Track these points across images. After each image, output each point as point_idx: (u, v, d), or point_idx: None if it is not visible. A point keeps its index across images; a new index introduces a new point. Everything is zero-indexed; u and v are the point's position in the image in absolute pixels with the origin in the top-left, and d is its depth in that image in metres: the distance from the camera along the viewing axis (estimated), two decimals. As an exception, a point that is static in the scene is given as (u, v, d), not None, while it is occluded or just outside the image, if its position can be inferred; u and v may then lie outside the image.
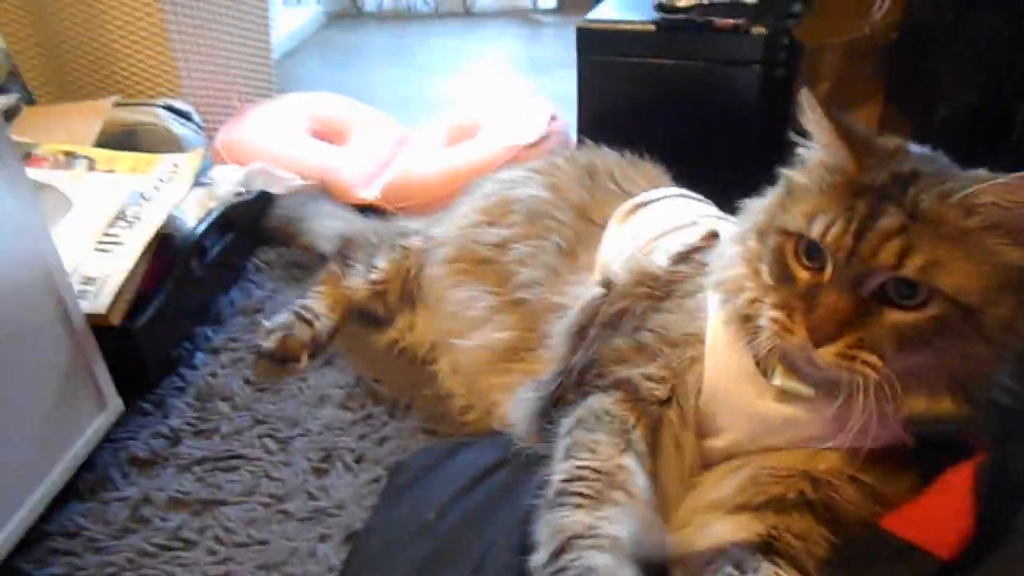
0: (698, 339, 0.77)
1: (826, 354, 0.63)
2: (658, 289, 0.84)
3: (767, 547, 0.69)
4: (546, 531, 0.67)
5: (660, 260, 0.87)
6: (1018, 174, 0.59)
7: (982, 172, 0.65)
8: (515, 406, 0.91)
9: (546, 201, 1.07)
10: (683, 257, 0.86)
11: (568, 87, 1.56)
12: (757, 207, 0.76)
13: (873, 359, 0.62)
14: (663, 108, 1.42)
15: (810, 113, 0.68)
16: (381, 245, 1.27)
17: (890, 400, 0.63)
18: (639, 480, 0.71)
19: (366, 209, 1.60)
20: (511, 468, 0.84)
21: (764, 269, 0.69)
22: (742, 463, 0.73)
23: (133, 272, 1.06)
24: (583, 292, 0.92)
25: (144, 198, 1.15)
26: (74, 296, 0.96)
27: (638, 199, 1.02)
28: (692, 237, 0.88)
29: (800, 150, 0.73)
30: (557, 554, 0.64)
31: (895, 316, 0.62)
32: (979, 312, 0.61)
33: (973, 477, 0.63)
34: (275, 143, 1.69)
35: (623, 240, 0.96)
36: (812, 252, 0.65)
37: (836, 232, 0.63)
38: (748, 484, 0.71)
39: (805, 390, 0.69)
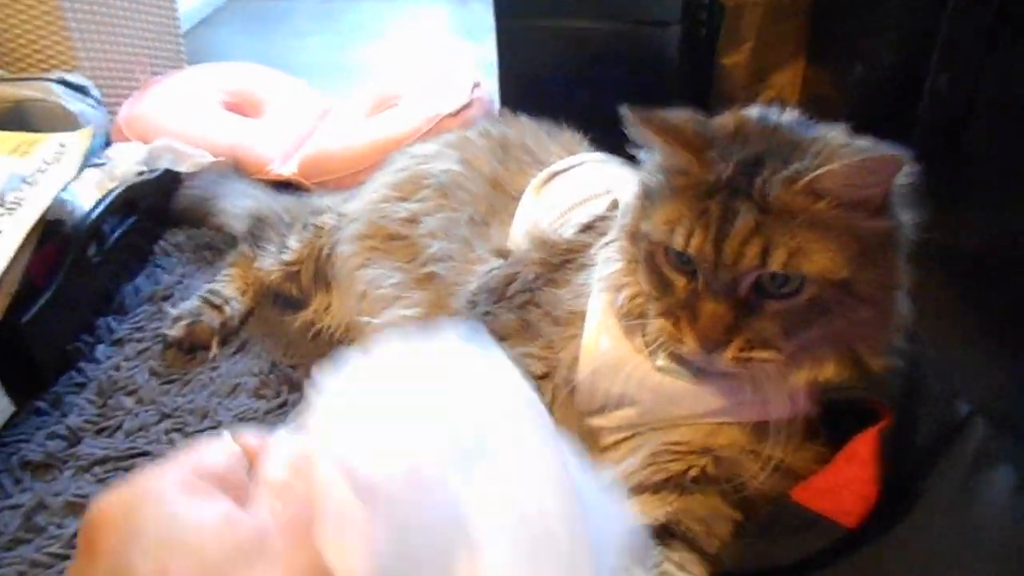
0: (580, 317, 0.76)
1: (721, 360, 0.63)
2: (553, 257, 0.82)
3: (665, 531, 0.67)
4: None
5: (567, 232, 0.84)
6: (855, 160, 0.59)
7: (832, 135, 0.65)
8: None
9: (459, 174, 1.03)
10: (588, 227, 0.84)
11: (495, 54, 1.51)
12: (626, 199, 0.75)
13: (767, 354, 0.63)
14: (583, 72, 1.39)
15: (636, 127, 0.67)
16: (294, 224, 1.21)
17: (788, 376, 0.63)
18: None
19: (283, 185, 1.53)
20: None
21: (642, 276, 0.69)
22: (642, 441, 0.72)
23: (13, 263, 0.98)
24: (488, 267, 0.89)
25: (26, 182, 1.06)
26: (-57, 292, 0.88)
27: (553, 168, 0.99)
28: (599, 207, 0.85)
29: (643, 154, 0.73)
30: None
31: (775, 307, 0.63)
32: (852, 282, 0.62)
33: (877, 443, 0.62)
34: (183, 118, 1.60)
35: (538, 211, 0.93)
36: (683, 257, 0.65)
37: (696, 242, 0.63)
38: (649, 461, 0.70)
39: (687, 375, 0.69)
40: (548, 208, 0.92)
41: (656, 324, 0.67)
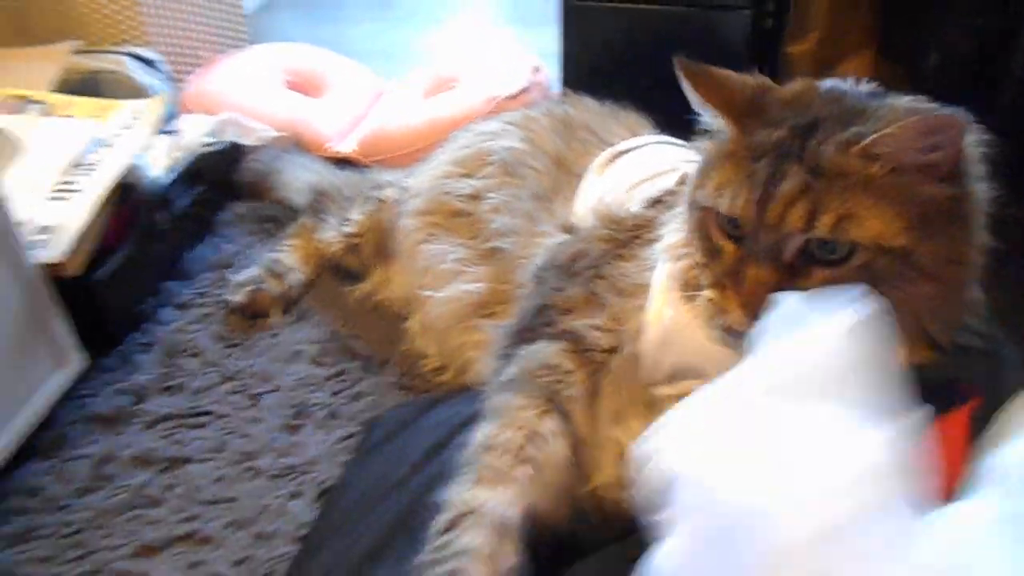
0: (645, 289, 0.75)
1: None
2: (620, 232, 0.82)
3: None
4: (448, 501, 0.66)
5: (634, 207, 0.84)
6: (910, 120, 0.57)
7: (899, 103, 0.63)
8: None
9: (523, 152, 1.03)
10: (656, 202, 0.83)
11: (554, 42, 1.51)
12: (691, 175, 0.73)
13: None
14: (648, 55, 1.36)
15: (684, 84, 0.67)
16: (355, 198, 1.23)
17: None
18: (553, 447, 0.70)
19: (341, 163, 1.55)
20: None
21: (695, 245, 0.68)
22: None
23: (92, 221, 1.01)
24: (552, 241, 0.89)
25: (103, 145, 1.09)
26: (24, 245, 0.91)
27: (617, 147, 0.98)
28: (668, 182, 0.85)
29: (703, 119, 0.71)
30: (447, 528, 0.64)
31: (823, 274, 0.61)
32: (910, 252, 0.60)
33: (967, 425, 0.61)
34: (247, 94, 1.62)
35: (602, 188, 0.92)
36: (732, 222, 0.63)
37: (742, 203, 0.61)
38: None
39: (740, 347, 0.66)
40: (612, 186, 0.92)
41: (706, 296, 0.66)
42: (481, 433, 0.70)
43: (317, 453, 0.96)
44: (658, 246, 0.77)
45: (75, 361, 1.00)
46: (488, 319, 0.95)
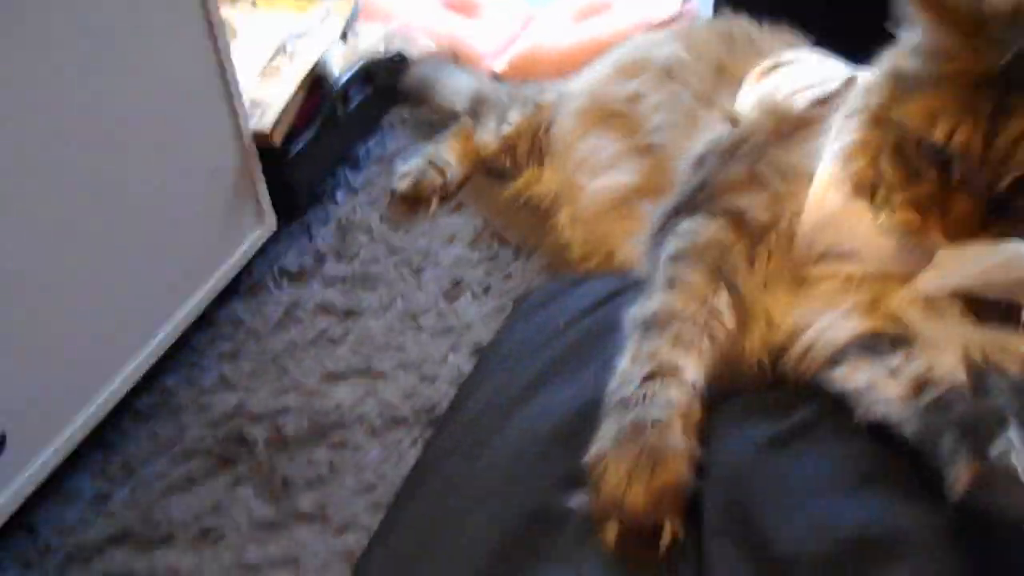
0: (809, 177, 0.78)
1: None
2: (786, 125, 0.86)
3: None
4: (643, 348, 0.72)
5: (799, 104, 0.88)
6: None
7: None
8: (639, 243, 0.95)
9: (684, 58, 1.08)
10: (822, 101, 0.87)
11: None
12: (871, 79, 0.74)
13: None
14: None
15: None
16: (513, 102, 1.32)
17: None
18: (727, 321, 0.76)
19: (494, 79, 1.64)
20: (636, 291, 0.89)
21: (886, 164, 0.68)
22: (862, 284, 0.75)
23: (292, 101, 1.15)
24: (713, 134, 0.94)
25: (302, 36, 1.23)
26: (245, 110, 1.05)
27: (777, 59, 1.02)
28: (833, 85, 0.88)
29: (903, 32, 0.70)
30: (648, 377, 0.70)
31: None
32: None
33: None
34: (410, 9, 1.74)
35: (762, 92, 0.97)
36: (935, 147, 0.63)
37: (962, 138, 0.60)
38: (870, 302, 0.74)
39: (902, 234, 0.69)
40: (772, 90, 0.96)
41: (899, 216, 0.67)
42: (663, 300, 0.76)
43: (473, 319, 1.07)
44: (826, 143, 0.79)
45: (270, 222, 1.14)
46: (638, 208, 1.02)
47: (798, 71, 0.98)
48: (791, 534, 0.60)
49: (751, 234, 0.80)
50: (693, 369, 0.71)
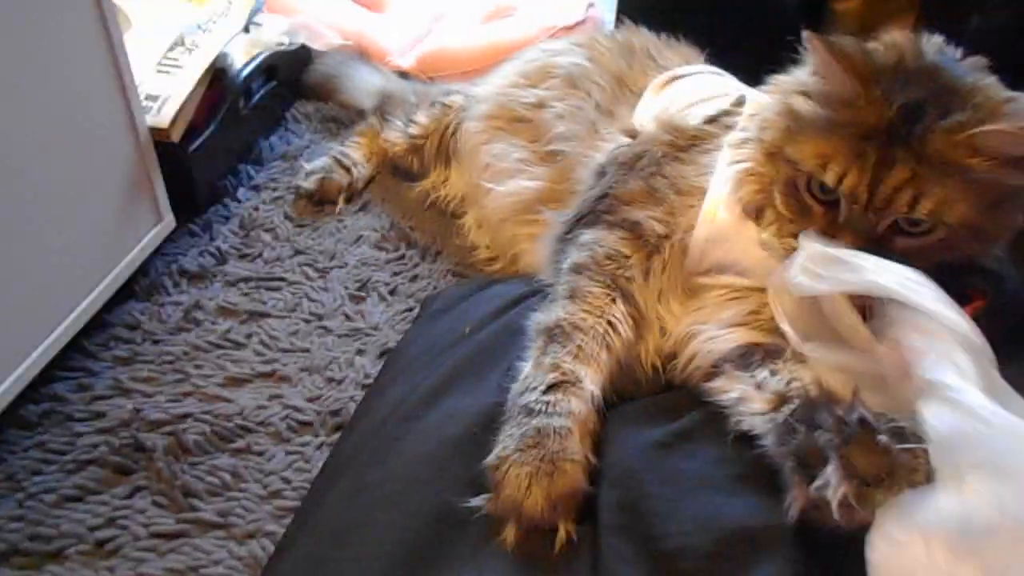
0: (702, 192, 0.84)
1: None
2: (681, 140, 0.91)
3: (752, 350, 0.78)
4: (547, 358, 0.76)
5: (693, 121, 0.94)
6: (1016, 121, 0.64)
7: (990, 85, 0.70)
8: (542, 248, 0.98)
9: (586, 68, 1.12)
10: (713, 119, 0.92)
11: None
12: (765, 113, 0.80)
13: None
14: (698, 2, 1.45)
15: (814, 50, 0.72)
16: (421, 102, 1.33)
17: None
18: (623, 332, 0.80)
19: (400, 76, 1.64)
20: (542, 298, 0.92)
21: (778, 197, 0.76)
22: (745, 295, 0.82)
23: (191, 95, 1.11)
24: (612, 146, 0.98)
25: (201, 29, 1.19)
26: (141, 106, 1.01)
27: (674, 72, 1.07)
28: (724, 103, 0.94)
29: (800, 74, 0.78)
30: (551, 387, 0.73)
31: (906, 243, 0.71)
32: (981, 225, 0.70)
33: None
34: (315, 2, 1.71)
35: (658, 106, 1.02)
36: (823, 187, 0.71)
37: (851, 182, 0.68)
38: (747, 313, 0.80)
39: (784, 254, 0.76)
40: (668, 104, 1.02)
41: (788, 244, 0.74)
42: (564, 310, 0.80)
43: (379, 321, 1.08)
44: (717, 157, 0.85)
45: (168, 220, 1.11)
46: (542, 214, 1.05)
47: (693, 85, 1.04)
48: (679, 528, 0.65)
49: (647, 246, 0.85)
50: (591, 381, 0.76)
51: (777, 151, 0.76)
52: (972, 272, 0.75)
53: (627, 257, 0.84)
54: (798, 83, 0.78)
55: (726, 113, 0.93)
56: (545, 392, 0.73)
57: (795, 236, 0.74)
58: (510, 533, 0.67)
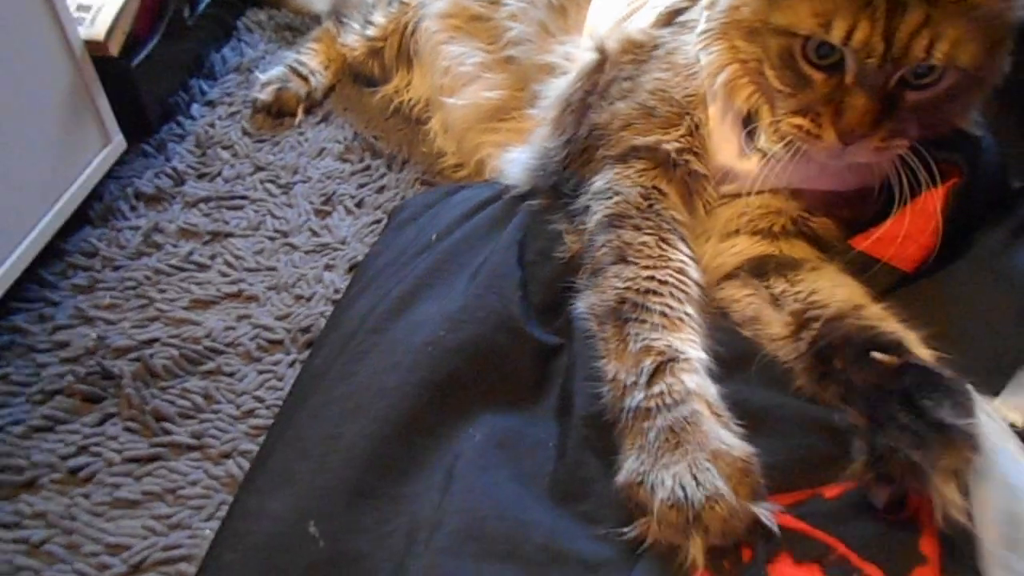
0: (700, 100, 0.78)
1: (859, 152, 0.65)
2: (642, 54, 0.84)
3: (760, 265, 0.76)
4: (631, 344, 0.65)
5: (643, 22, 0.87)
6: None
7: None
8: (510, 166, 0.92)
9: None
10: (666, 20, 0.85)
11: None
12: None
13: (903, 142, 0.65)
14: None
15: None
16: (378, 2, 1.25)
17: (900, 157, 0.67)
18: (694, 274, 0.72)
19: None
20: (508, 200, 0.89)
21: (771, 73, 0.68)
22: (731, 199, 0.79)
23: (127, 3, 1.04)
24: (573, 53, 0.92)
25: (133, -70, 1.10)
26: (72, 19, 0.95)
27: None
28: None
29: None
30: (653, 376, 0.63)
31: (915, 96, 0.65)
32: (983, 69, 0.65)
33: (945, 199, 0.69)
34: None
35: (615, 16, 0.95)
36: (823, 50, 0.64)
37: (862, 36, 0.61)
38: (740, 213, 0.77)
39: (786, 155, 0.70)
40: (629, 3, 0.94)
41: (791, 122, 0.67)
42: (621, 279, 0.70)
43: (347, 234, 1.05)
44: (689, 50, 0.79)
45: (118, 141, 1.06)
46: (504, 122, 1.01)
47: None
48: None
49: (678, 179, 0.77)
50: (693, 346, 0.67)
51: (760, 25, 0.68)
52: (951, 145, 0.72)
53: (663, 193, 0.76)
54: None
55: (678, 11, 0.84)
56: (650, 383, 0.63)
57: (797, 113, 0.67)
58: (697, 552, 0.56)
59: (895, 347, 0.63)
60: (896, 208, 0.70)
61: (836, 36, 0.62)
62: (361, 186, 1.12)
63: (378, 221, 1.06)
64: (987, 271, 0.72)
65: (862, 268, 0.73)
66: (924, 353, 0.64)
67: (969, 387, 0.59)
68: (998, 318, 0.69)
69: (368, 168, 1.15)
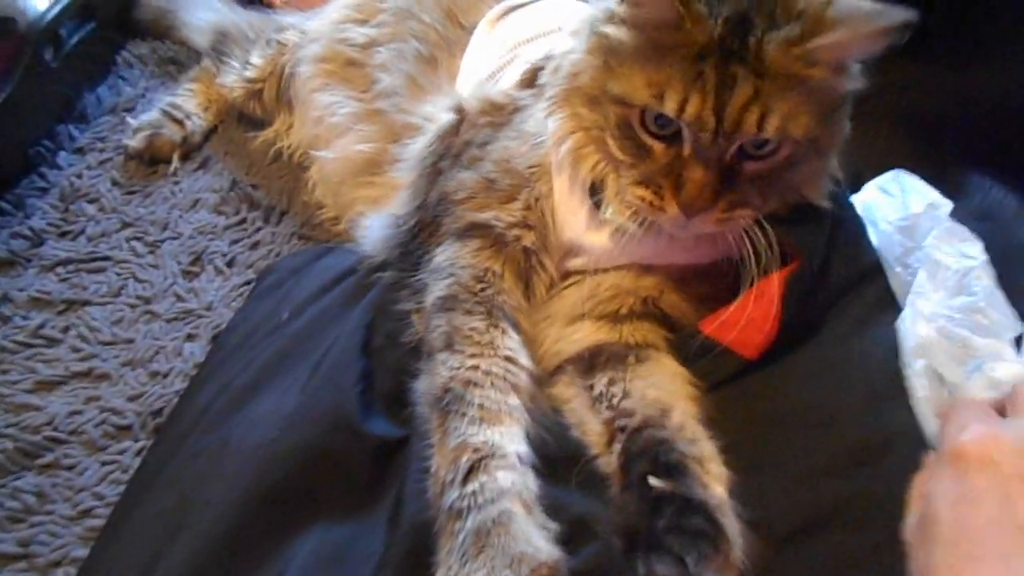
0: (544, 171, 0.74)
1: (703, 224, 0.63)
2: (501, 117, 0.80)
3: (599, 352, 0.73)
4: (449, 443, 0.63)
5: (509, 80, 0.83)
6: (867, 28, 0.57)
7: None
8: (367, 232, 0.87)
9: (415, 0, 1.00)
10: (529, 80, 0.80)
11: None
12: (570, 57, 0.69)
13: (745, 212, 0.64)
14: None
15: None
16: (257, 40, 1.19)
17: (749, 227, 0.65)
18: (524, 362, 0.69)
19: (249, 1, 1.48)
20: (363, 273, 0.85)
21: (612, 143, 0.66)
22: (580, 279, 0.75)
23: (-34, 58, 0.97)
24: (434, 113, 0.87)
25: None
26: None
27: (511, 2, 0.96)
28: (542, 51, 0.82)
29: (606, 2, 0.67)
30: (469, 473, 0.61)
31: (754, 167, 0.63)
32: (819, 138, 0.63)
33: (784, 284, 0.66)
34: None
35: (490, 47, 0.91)
36: (661, 120, 0.62)
37: (693, 109, 0.60)
38: (588, 297, 0.74)
39: (634, 227, 0.68)
40: (499, 44, 0.89)
41: (635, 193, 0.65)
42: (447, 367, 0.67)
43: (213, 299, 0.99)
44: (537, 119, 0.74)
45: (-36, 203, 0.99)
46: (379, 176, 0.95)
47: (526, 18, 0.92)
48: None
49: (514, 259, 0.73)
50: (510, 439, 0.64)
51: (599, 93, 0.66)
52: (801, 221, 0.69)
53: (497, 274, 0.72)
54: (606, 12, 0.67)
55: (541, 69, 0.80)
56: (464, 482, 0.60)
57: (640, 184, 0.64)
58: None
59: (677, 469, 0.60)
60: (743, 290, 0.67)
61: (670, 108, 0.61)
62: (234, 242, 1.07)
63: (248, 282, 1.01)
64: (837, 351, 0.69)
65: (708, 352, 0.70)
66: (716, 471, 0.61)
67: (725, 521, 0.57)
68: (846, 403, 0.66)
69: (244, 221, 1.10)
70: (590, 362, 0.72)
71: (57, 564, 0.74)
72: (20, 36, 1.09)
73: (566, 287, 0.75)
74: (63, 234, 1.06)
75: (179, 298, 0.99)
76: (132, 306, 0.98)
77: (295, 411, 0.70)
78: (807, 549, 0.57)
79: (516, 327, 0.71)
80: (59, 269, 1.02)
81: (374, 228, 0.86)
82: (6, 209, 1.08)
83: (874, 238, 0.76)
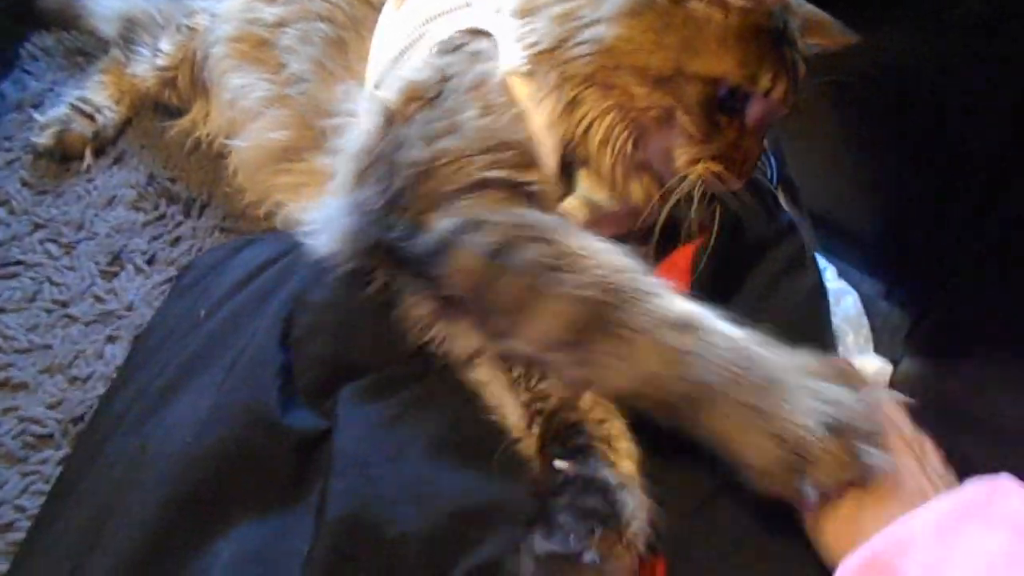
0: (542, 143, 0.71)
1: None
2: (431, 91, 0.75)
3: None
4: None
5: (419, 58, 0.79)
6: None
7: None
8: (324, 226, 0.78)
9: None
10: (448, 49, 0.77)
11: None
12: (594, 39, 0.67)
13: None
14: None
15: None
16: (167, 26, 1.14)
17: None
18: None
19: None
20: (284, 263, 0.83)
21: (686, 119, 0.67)
22: None
23: None
24: (353, 109, 0.83)
25: None
26: None
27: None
28: (458, 23, 0.80)
29: None
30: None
31: None
32: None
33: (692, 257, 0.67)
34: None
35: (398, 25, 0.88)
36: (730, 99, 0.67)
37: (782, 89, 0.67)
38: None
39: (607, 201, 0.72)
40: (404, 22, 0.85)
41: (707, 167, 0.68)
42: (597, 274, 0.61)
43: (134, 298, 0.96)
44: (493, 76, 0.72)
45: None
46: (296, 163, 0.92)
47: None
48: (403, 513, 0.61)
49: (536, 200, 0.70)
50: None
51: (672, 71, 0.65)
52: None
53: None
54: (664, 37, 0.66)
55: (458, 46, 0.76)
56: None
57: (714, 159, 0.68)
58: None
59: (582, 451, 0.61)
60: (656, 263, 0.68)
61: (763, 85, 0.67)
62: (154, 239, 1.03)
63: (170, 280, 0.97)
64: (747, 316, 0.70)
65: None
66: (625, 448, 0.61)
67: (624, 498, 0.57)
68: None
69: (163, 216, 1.06)
70: None
71: (-26, 588, 0.72)
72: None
73: None
74: (-30, 240, 1.02)
75: (98, 299, 0.96)
76: (48, 311, 0.95)
77: (211, 411, 0.68)
78: (716, 514, 0.58)
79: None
80: (-33, 278, 0.98)
81: (326, 221, 0.78)
82: (-93, 217, 1.03)
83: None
